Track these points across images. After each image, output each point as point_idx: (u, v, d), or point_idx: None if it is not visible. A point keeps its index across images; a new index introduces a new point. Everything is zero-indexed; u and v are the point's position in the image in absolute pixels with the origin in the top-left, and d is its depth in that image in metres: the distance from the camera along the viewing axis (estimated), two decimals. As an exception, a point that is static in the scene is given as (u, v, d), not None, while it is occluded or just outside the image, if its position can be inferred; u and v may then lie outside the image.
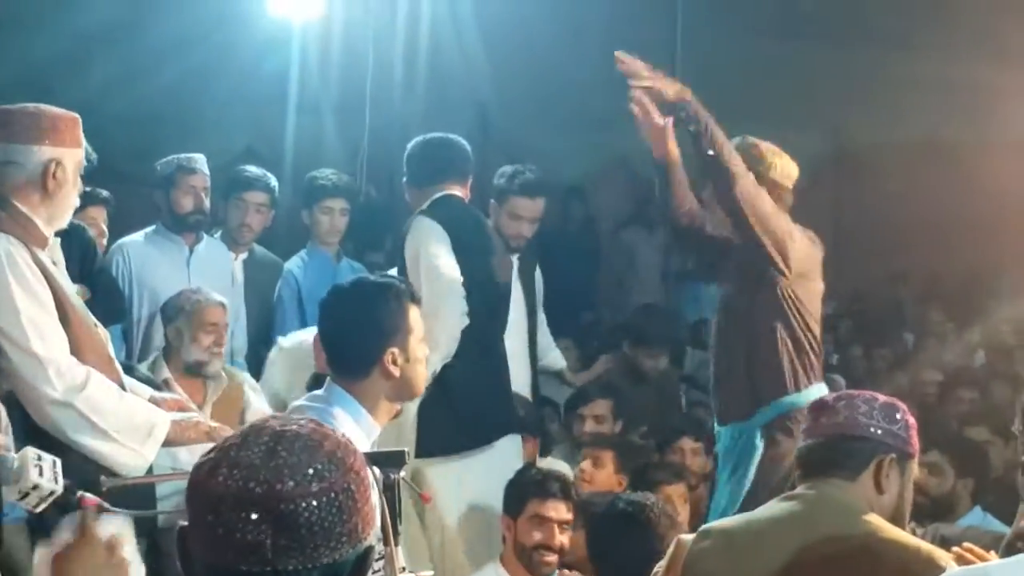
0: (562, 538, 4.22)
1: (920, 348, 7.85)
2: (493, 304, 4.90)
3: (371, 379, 3.06)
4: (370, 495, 1.66)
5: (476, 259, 4.78)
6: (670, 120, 4.43)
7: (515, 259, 5.34)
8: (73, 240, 5.22)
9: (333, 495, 1.58)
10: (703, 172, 4.37)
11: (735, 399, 4.45)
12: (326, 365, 3.18)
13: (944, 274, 9.62)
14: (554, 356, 6.06)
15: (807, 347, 4.39)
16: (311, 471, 1.58)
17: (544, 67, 9.37)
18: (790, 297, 4.37)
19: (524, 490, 4.29)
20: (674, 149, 4.48)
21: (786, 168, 4.49)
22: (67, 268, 4.81)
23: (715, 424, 4.66)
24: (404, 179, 5.12)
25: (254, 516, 1.55)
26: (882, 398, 2.87)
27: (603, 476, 4.99)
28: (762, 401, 4.37)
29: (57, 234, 4.90)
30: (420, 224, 4.79)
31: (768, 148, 4.49)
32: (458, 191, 4.95)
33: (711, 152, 4.22)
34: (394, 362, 3.05)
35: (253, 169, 5.98)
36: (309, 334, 5.42)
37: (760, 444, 4.34)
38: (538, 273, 5.69)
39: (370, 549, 1.64)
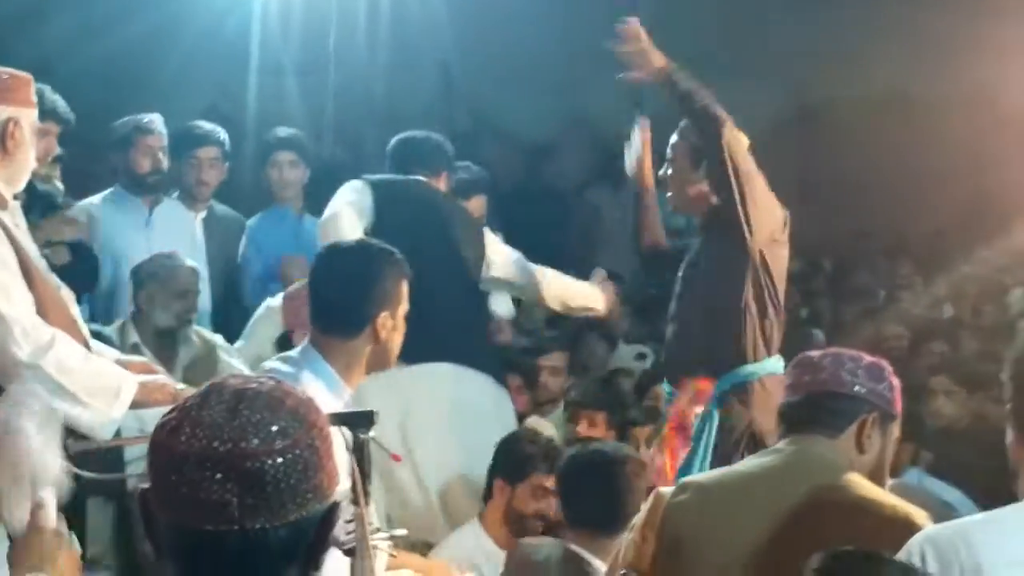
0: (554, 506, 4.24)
1: (889, 302, 7.90)
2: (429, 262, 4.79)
3: (358, 340, 3.13)
4: (333, 452, 1.65)
5: (405, 216, 4.77)
6: (647, 144, 4.75)
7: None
8: (47, 203, 5.18)
9: (298, 452, 1.57)
10: (692, 127, 4.40)
11: (693, 363, 4.39)
12: (311, 320, 3.22)
13: (910, 228, 9.65)
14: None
15: (771, 316, 4.36)
16: (275, 428, 1.57)
17: (508, 26, 9.31)
18: (760, 263, 4.34)
19: (529, 460, 4.27)
20: (650, 176, 4.74)
21: (739, 138, 4.43)
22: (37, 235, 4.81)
23: (665, 384, 4.63)
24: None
25: (219, 475, 1.54)
26: (868, 358, 2.87)
27: (597, 435, 5.04)
28: (721, 369, 4.33)
29: (32, 199, 4.88)
30: (346, 184, 4.94)
31: None
32: (423, 177, 5.05)
33: (699, 105, 4.27)
34: (384, 326, 3.12)
35: (202, 124, 5.95)
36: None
37: (716, 413, 4.28)
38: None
39: (336, 505, 1.63)
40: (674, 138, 4.58)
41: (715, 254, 4.43)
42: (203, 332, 5.14)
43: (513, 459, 4.32)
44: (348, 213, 4.74)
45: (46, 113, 4.93)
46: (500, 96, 9.84)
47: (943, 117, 9.02)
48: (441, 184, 5.12)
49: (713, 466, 4.00)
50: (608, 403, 5.42)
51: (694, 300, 4.48)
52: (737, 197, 4.26)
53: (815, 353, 2.93)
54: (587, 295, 5.25)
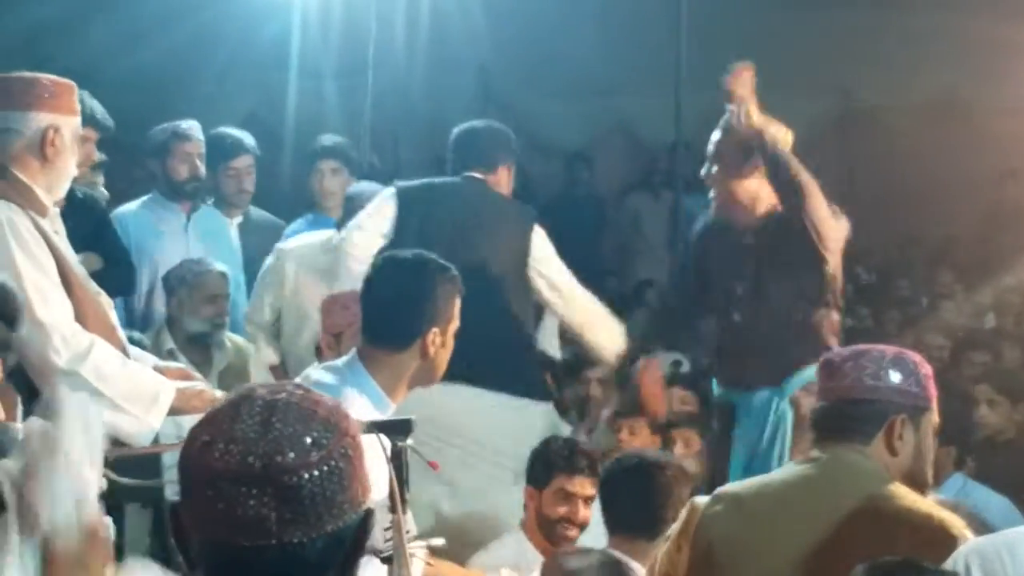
0: (586, 512, 4.21)
1: (931, 310, 7.83)
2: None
3: (406, 354, 3.13)
4: (365, 459, 1.63)
5: (435, 222, 4.72)
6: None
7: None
8: (87, 209, 5.22)
9: (333, 463, 1.56)
10: (780, 195, 4.52)
11: (767, 366, 4.51)
12: (362, 331, 3.21)
13: (955, 236, 9.57)
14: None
15: (837, 315, 4.59)
16: (309, 440, 1.55)
17: (545, 32, 9.30)
18: (832, 277, 4.53)
19: (551, 463, 4.25)
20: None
21: (779, 135, 4.54)
22: (80, 237, 4.83)
23: (724, 388, 4.69)
24: None
25: (255, 491, 1.52)
26: (891, 352, 2.79)
27: (639, 442, 5.01)
28: (793, 367, 4.45)
29: (77, 202, 4.91)
30: (381, 191, 4.95)
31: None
32: (479, 174, 4.94)
33: (788, 176, 4.42)
34: (433, 342, 3.12)
35: (232, 132, 5.95)
36: (312, 236, 5.46)
37: (790, 409, 4.41)
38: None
39: (370, 513, 1.62)
40: (718, 135, 4.58)
41: (784, 267, 4.53)
42: (237, 339, 5.16)
43: (537, 464, 4.31)
44: (363, 230, 4.76)
45: (85, 119, 4.94)
46: (538, 103, 9.82)
47: (990, 124, 8.94)
48: (500, 179, 4.98)
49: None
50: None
51: (764, 308, 4.57)
52: (819, 244, 4.44)
53: (837, 355, 2.88)
54: (607, 335, 5.07)
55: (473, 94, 9.89)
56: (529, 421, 4.77)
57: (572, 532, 4.20)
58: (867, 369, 2.74)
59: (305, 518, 1.54)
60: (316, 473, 1.54)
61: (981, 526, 4.35)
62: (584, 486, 4.20)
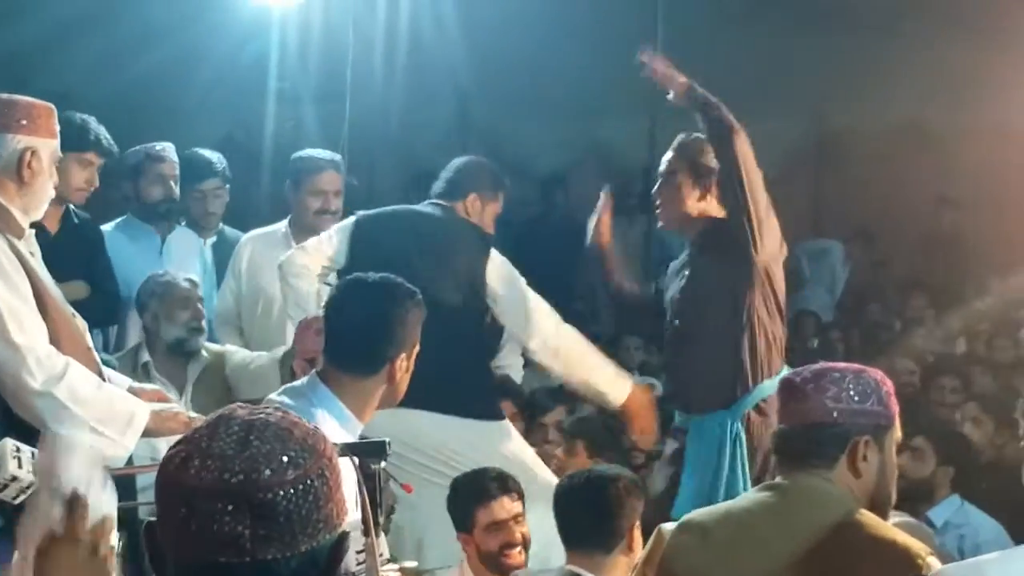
0: (522, 530, 4.07)
1: (902, 335, 7.87)
2: None
3: (373, 379, 3.08)
4: (341, 481, 1.65)
5: (387, 249, 4.62)
6: (607, 208, 5.10)
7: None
8: (86, 237, 5.23)
9: (308, 482, 1.57)
10: (708, 134, 4.50)
11: (715, 388, 4.46)
12: (325, 354, 3.16)
13: (926, 262, 9.64)
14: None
15: (780, 330, 4.48)
16: (285, 459, 1.57)
17: (524, 56, 9.35)
18: (766, 279, 4.43)
19: (466, 503, 4.09)
20: (608, 238, 5.09)
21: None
22: (76, 263, 4.83)
23: (675, 415, 4.70)
24: None
25: (231, 507, 1.54)
26: (852, 370, 2.74)
27: (577, 463, 4.91)
28: (743, 389, 4.41)
29: (71, 228, 4.92)
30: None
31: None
32: (444, 201, 4.98)
33: (716, 113, 4.41)
34: (400, 367, 3.09)
35: (202, 154, 5.89)
36: (271, 226, 5.59)
37: (743, 432, 4.36)
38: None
39: (345, 535, 1.63)
40: (670, 155, 4.67)
41: (717, 273, 4.50)
42: (212, 346, 5.19)
43: (456, 512, 4.14)
44: (305, 251, 4.79)
45: (89, 144, 4.98)
46: (514, 126, 9.87)
47: (961, 149, 9.01)
48: (469, 206, 4.95)
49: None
50: (583, 430, 5.27)
51: (702, 322, 4.53)
52: (746, 206, 4.35)
53: (796, 375, 2.80)
54: (607, 380, 4.86)
55: (450, 118, 9.93)
56: (487, 435, 4.73)
57: (517, 556, 4.04)
58: (828, 391, 2.69)
59: (280, 536, 1.55)
60: (292, 491, 1.56)
61: (974, 548, 4.38)
62: (506, 507, 4.04)
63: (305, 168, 5.58)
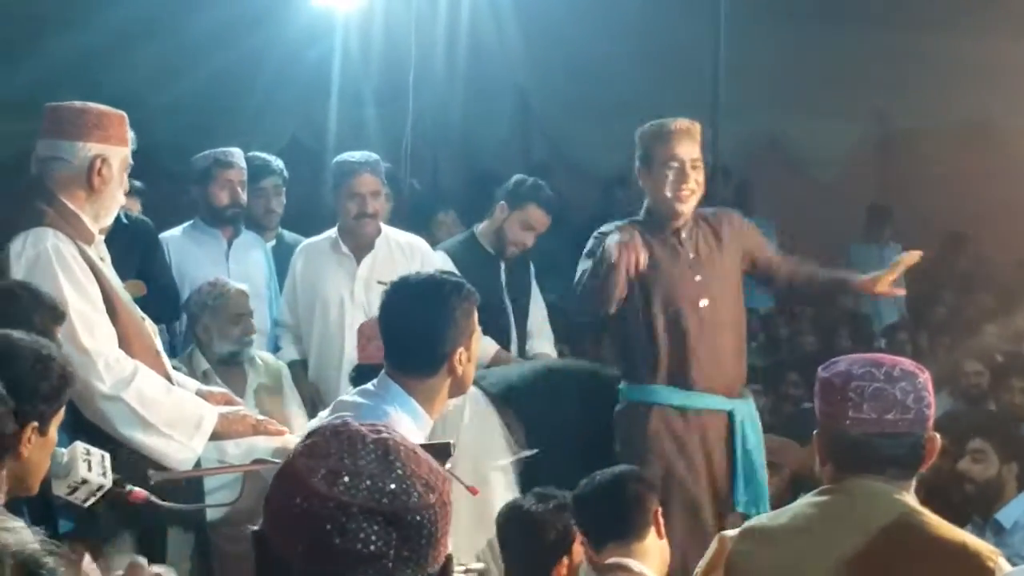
0: None
1: (969, 335, 7.76)
2: None
3: (437, 376, 3.08)
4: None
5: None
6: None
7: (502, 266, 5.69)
8: (138, 235, 5.29)
9: (442, 505, 1.59)
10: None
11: (736, 378, 4.82)
12: (386, 358, 3.15)
13: (991, 260, 9.52)
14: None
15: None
16: (426, 481, 1.59)
17: (584, 55, 9.34)
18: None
19: (560, 542, 3.80)
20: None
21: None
22: (129, 262, 4.89)
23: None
24: None
25: (377, 528, 1.54)
26: (903, 370, 2.66)
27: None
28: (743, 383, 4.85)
29: (121, 228, 4.99)
30: None
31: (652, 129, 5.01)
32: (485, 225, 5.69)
33: None
34: (460, 360, 3.08)
35: (259, 155, 5.96)
36: (322, 235, 5.66)
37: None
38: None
39: (450, 556, 1.64)
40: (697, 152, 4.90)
41: (735, 293, 4.94)
42: (267, 356, 5.23)
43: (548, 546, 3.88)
44: None
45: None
46: (576, 126, 9.86)
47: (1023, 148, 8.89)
48: (494, 214, 5.62)
49: None
50: None
51: (728, 328, 4.85)
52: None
53: (853, 383, 2.67)
54: None
55: (512, 119, 9.94)
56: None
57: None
58: (889, 401, 2.63)
59: (418, 556, 1.57)
60: (433, 514, 1.58)
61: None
62: None
63: (340, 172, 5.56)
